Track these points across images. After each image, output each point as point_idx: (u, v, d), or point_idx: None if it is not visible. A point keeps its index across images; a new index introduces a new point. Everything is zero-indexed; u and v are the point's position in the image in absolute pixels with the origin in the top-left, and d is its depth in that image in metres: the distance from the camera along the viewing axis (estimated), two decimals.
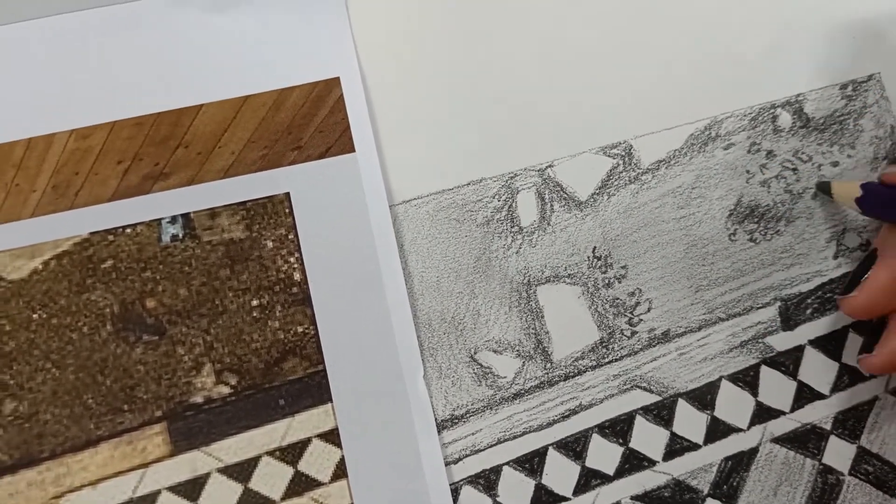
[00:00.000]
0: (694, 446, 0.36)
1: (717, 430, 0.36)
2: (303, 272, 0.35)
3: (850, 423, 0.36)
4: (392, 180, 0.36)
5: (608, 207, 0.37)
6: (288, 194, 0.35)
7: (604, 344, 0.36)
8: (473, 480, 0.34)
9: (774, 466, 0.36)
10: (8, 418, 0.33)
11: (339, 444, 0.34)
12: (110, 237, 0.34)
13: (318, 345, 0.34)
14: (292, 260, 0.35)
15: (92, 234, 0.34)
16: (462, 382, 0.35)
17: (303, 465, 0.34)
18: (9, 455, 0.32)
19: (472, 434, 0.35)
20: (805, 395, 0.37)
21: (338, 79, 0.36)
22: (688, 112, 0.38)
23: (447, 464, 0.34)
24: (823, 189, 0.37)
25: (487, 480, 0.34)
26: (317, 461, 0.34)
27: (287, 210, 0.35)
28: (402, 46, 0.37)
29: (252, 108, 0.36)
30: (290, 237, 0.35)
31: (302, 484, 0.33)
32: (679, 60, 0.38)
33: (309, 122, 0.36)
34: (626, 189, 0.37)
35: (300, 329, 0.34)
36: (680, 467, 0.35)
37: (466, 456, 0.35)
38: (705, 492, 0.35)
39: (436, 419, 0.34)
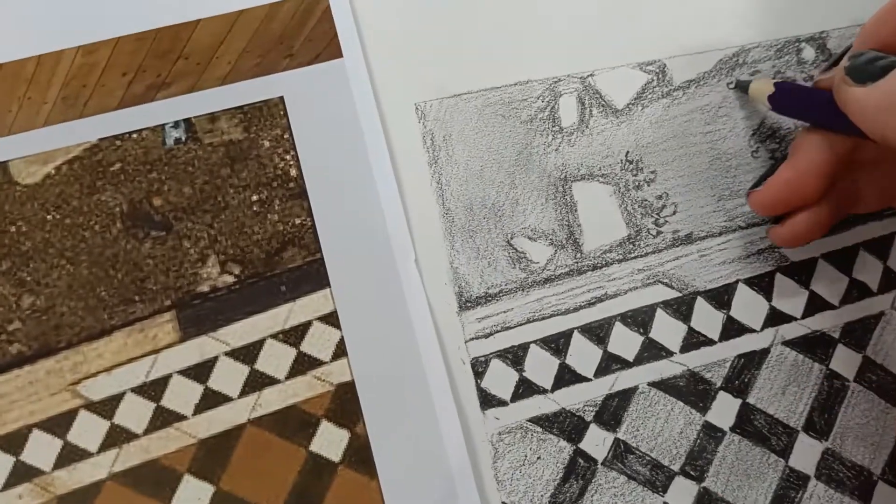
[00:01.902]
0: (709, 341, 0.38)
1: (732, 329, 0.38)
2: (298, 168, 0.37)
3: (857, 334, 0.39)
4: (442, 74, 0.39)
5: (642, 117, 0.40)
6: (282, 98, 0.38)
7: (631, 240, 0.39)
8: (502, 354, 0.37)
9: (784, 367, 0.38)
10: (27, 312, 0.35)
11: (338, 326, 0.36)
12: (118, 142, 0.37)
13: (315, 235, 0.37)
14: (288, 157, 0.38)
15: (100, 140, 0.37)
16: (497, 264, 0.38)
17: (305, 346, 0.36)
18: (28, 346, 0.35)
19: (504, 312, 0.37)
20: (816, 304, 0.39)
21: None
22: (719, 39, 0.41)
23: (478, 337, 0.37)
24: (741, 87, 0.39)
25: (515, 356, 0.37)
26: (318, 342, 0.36)
27: (282, 112, 0.38)
28: None
29: (246, 21, 0.39)
30: (285, 137, 0.38)
31: (305, 363, 0.36)
32: None
33: (299, 32, 0.39)
34: (659, 102, 0.40)
35: (298, 221, 0.37)
36: (695, 360, 0.38)
37: (497, 332, 0.37)
38: (718, 385, 0.38)
39: (469, 296, 0.37)
